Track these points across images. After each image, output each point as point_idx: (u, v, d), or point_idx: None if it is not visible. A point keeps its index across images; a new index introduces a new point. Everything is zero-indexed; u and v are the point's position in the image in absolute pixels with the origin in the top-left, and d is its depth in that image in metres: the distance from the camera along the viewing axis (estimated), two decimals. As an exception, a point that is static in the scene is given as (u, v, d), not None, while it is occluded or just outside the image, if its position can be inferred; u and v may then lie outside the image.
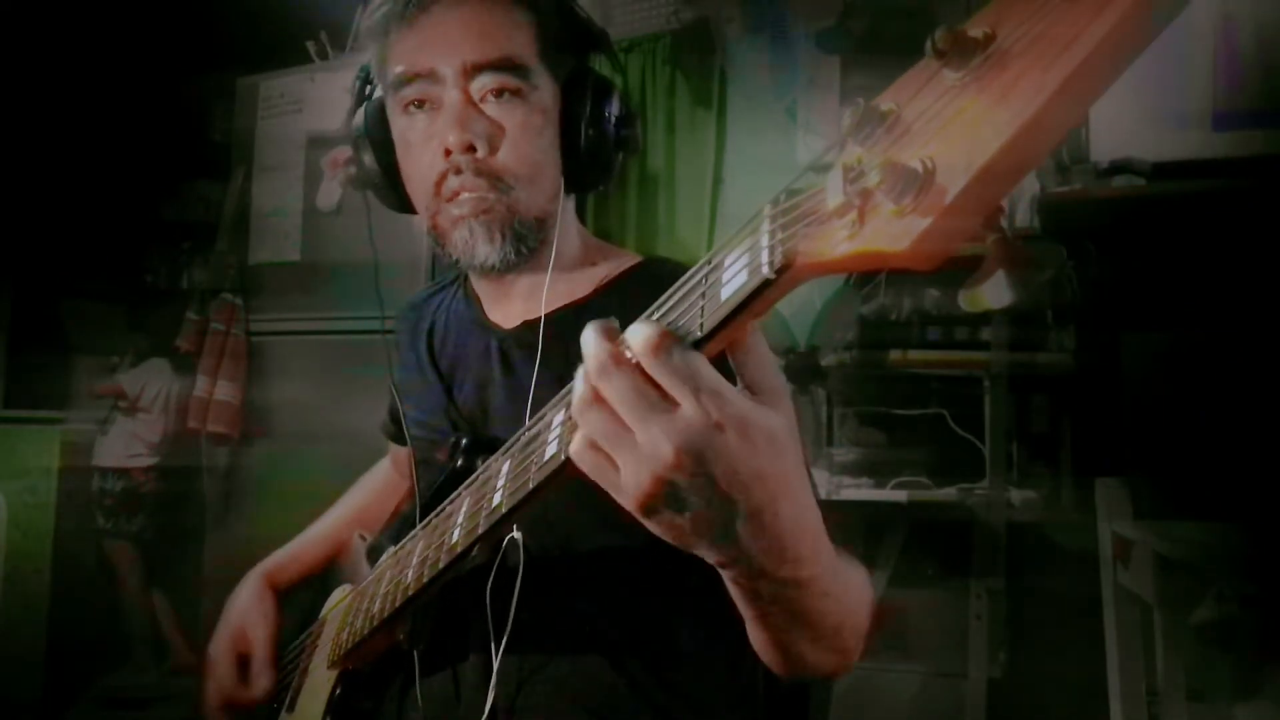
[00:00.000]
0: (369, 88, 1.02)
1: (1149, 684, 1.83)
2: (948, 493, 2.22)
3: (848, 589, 0.66)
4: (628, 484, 0.52)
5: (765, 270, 0.46)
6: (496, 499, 0.67)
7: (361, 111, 1.00)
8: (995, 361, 2.24)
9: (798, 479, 0.54)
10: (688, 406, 0.49)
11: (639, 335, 0.50)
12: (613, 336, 0.52)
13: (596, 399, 0.52)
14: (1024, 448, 2.34)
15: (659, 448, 0.50)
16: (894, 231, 0.38)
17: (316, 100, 2.78)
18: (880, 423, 2.45)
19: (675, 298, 0.53)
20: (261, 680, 1.03)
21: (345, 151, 2.99)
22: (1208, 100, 1.97)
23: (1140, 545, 1.75)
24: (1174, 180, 1.97)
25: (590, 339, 0.52)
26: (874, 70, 2.54)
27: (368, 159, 0.99)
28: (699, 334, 0.50)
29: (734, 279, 0.49)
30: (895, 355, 2.31)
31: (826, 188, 0.43)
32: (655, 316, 0.54)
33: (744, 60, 2.78)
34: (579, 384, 0.52)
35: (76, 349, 3.87)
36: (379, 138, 0.98)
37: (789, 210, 0.47)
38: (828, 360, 2.35)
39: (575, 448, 0.54)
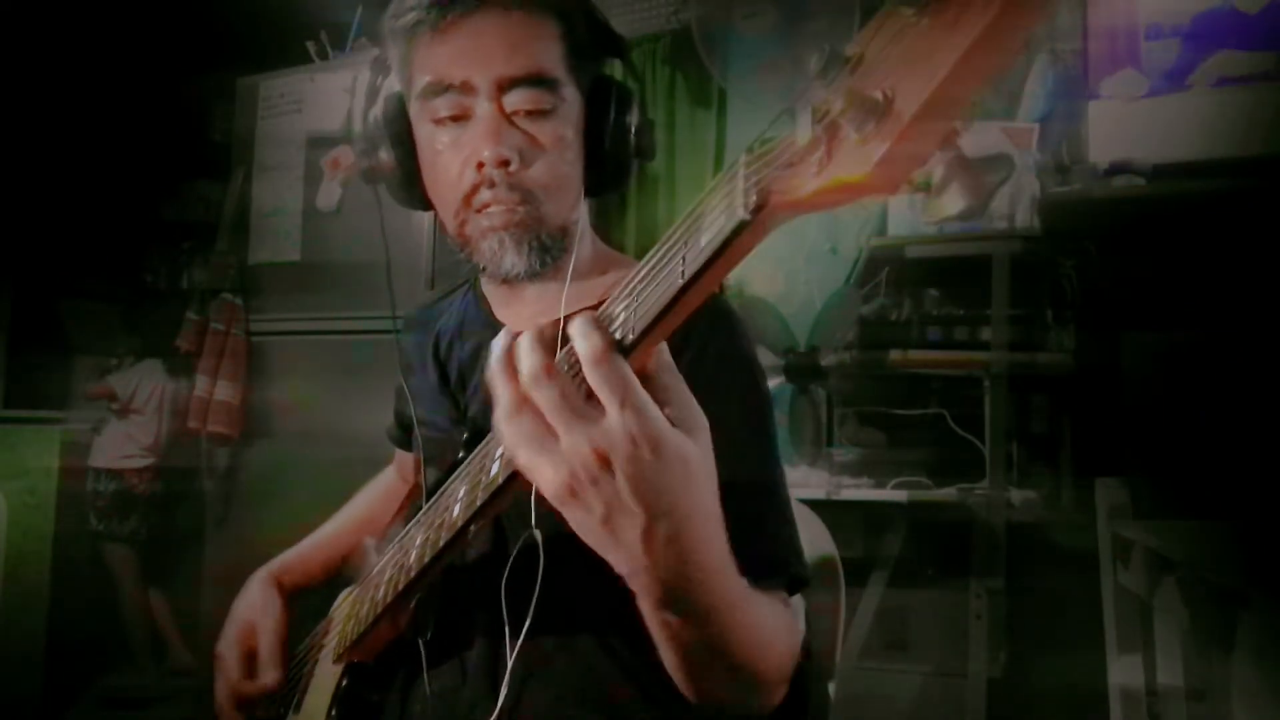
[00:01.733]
0: (382, 79, 1.01)
1: (1149, 684, 1.83)
2: (948, 493, 2.22)
3: (759, 629, 0.70)
4: (548, 478, 0.56)
5: (741, 212, 0.48)
6: (494, 470, 0.68)
7: (379, 106, 1.00)
8: (995, 361, 2.24)
9: (704, 508, 0.59)
10: (613, 415, 0.54)
11: (585, 343, 0.54)
12: (546, 345, 0.57)
13: (525, 403, 0.56)
14: (1024, 448, 2.34)
15: (579, 449, 0.55)
16: (858, 158, 0.41)
17: (316, 100, 2.78)
18: (880, 423, 2.46)
19: (660, 251, 0.55)
20: (269, 673, 1.03)
21: (345, 151, 2.96)
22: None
23: (1140, 545, 1.75)
24: (1174, 180, 1.98)
25: (525, 348, 0.57)
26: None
27: (384, 155, 0.99)
28: (681, 281, 0.52)
29: (712, 224, 0.50)
30: (895, 355, 2.32)
31: (796, 129, 0.45)
32: (639, 275, 0.57)
33: (743, 59, 2.78)
34: (505, 390, 0.57)
35: (76, 349, 3.88)
36: (397, 134, 0.98)
37: (762, 154, 0.48)
38: (828, 360, 2.35)
39: (508, 443, 0.58)
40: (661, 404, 0.57)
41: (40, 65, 3.40)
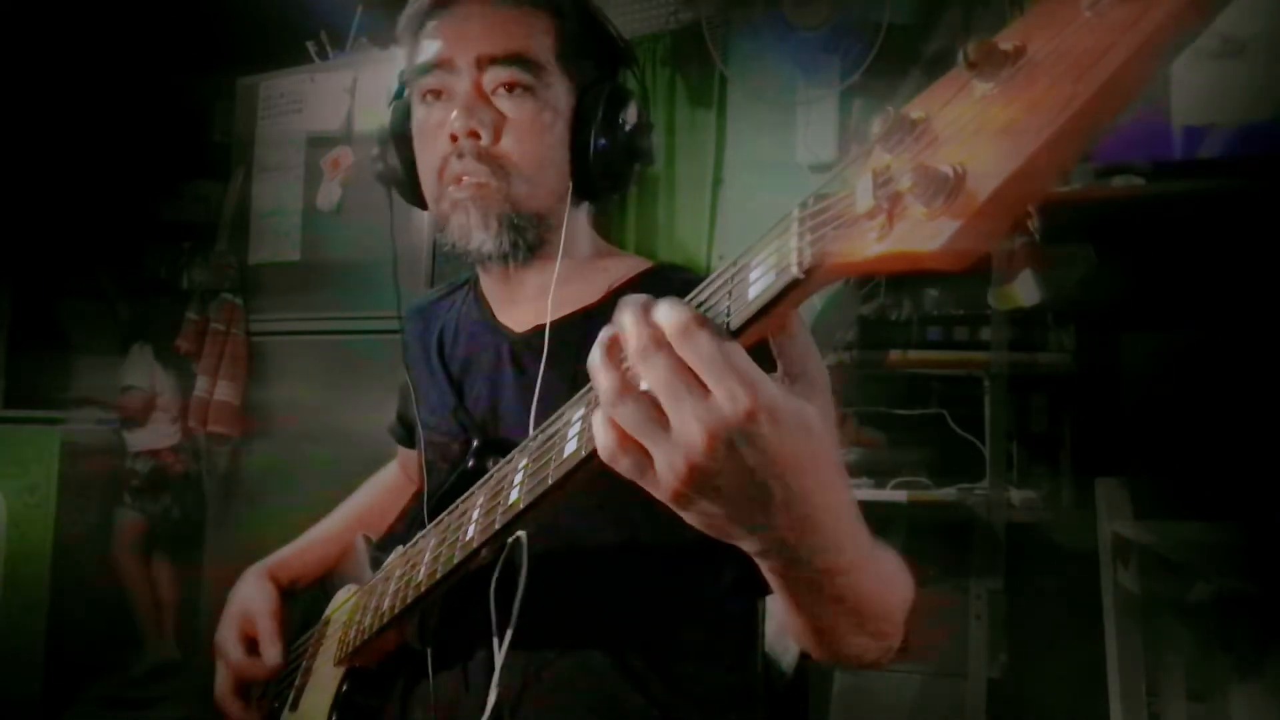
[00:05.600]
0: (405, 89, 1.04)
1: (1149, 684, 1.83)
2: (948, 493, 2.22)
3: (883, 574, 0.66)
4: (662, 475, 0.51)
5: (795, 270, 0.47)
6: (514, 495, 0.68)
7: (390, 109, 1.04)
8: (995, 361, 2.24)
9: (832, 466, 0.54)
10: (719, 393, 0.48)
11: (670, 316, 0.50)
12: (653, 318, 0.51)
13: (628, 388, 0.51)
14: (1024, 448, 2.34)
15: (691, 434, 0.49)
16: (925, 233, 0.39)
17: (316, 100, 2.78)
18: (880, 423, 2.45)
19: (701, 297, 0.54)
20: (269, 652, 1.03)
21: (345, 152, 2.98)
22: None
23: (1140, 545, 1.75)
24: (1174, 180, 1.97)
25: (631, 322, 0.51)
26: (873, 70, 2.54)
27: (390, 155, 1.02)
28: (726, 328, 0.50)
29: (761, 279, 0.49)
30: (895, 355, 2.32)
31: (855, 191, 0.44)
32: None
33: (744, 60, 2.78)
34: (607, 374, 0.52)
35: (76, 349, 3.88)
36: (402, 134, 1.01)
37: (818, 213, 0.47)
38: (828, 360, 2.35)
39: (606, 446, 0.52)
40: (779, 353, 0.53)
41: (41, 65, 3.40)
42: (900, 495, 2.21)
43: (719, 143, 2.84)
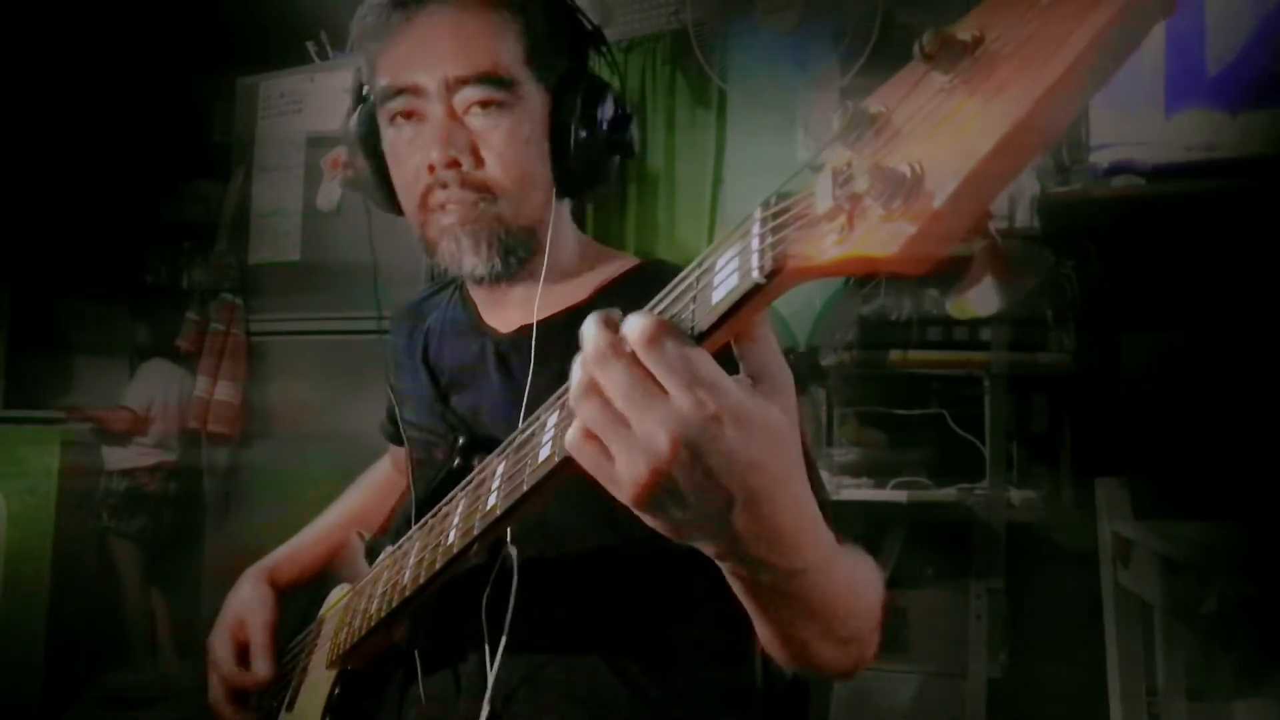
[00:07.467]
0: (365, 88, 1.01)
1: (1149, 684, 1.83)
2: (948, 493, 2.22)
3: (852, 581, 0.65)
4: (623, 477, 0.51)
5: (755, 275, 0.46)
6: (491, 501, 0.67)
7: (355, 115, 1.00)
8: (995, 361, 2.25)
9: (795, 469, 0.54)
10: (681, 398, 0.48)
11: (635, 325, 0.50)
12: (613, 326, 0.51)
13: (593, 388, 0.51)
14: (1024, 448, 2.34)
15: (654, 439, 0.49)
16: (882, 236, 0.38)
17: (316, 100, 2.78)
18: (880, 423, 2.45)
19: (667, 300, 0.53)
20: (259, 664, 1.03)
21: (344, 153, 3.00)
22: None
23: (1140, 545, 1.75)
24: (1174, 180, 1.97)
25: (591, 328, 0.51)
26: (874, 70, 2.54)
27: (359, 162, 1.00)
28: (693, 333, 0.50)
29: (725, 282, 0.49)
30: (895, 355, 2.32)
31: (816, 191, 0.43)
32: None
33: (740, 62, 2.77)
34: (577, 373, 0.52)
35: (76, 349, 3.88)
36: (369, 141, 0.98)
37: (780, 213, 0.46)
38: (828, 360, 2.35)
39: (571, 438, 0.53)
40: (742, 356, 0.52)
41: (40, 65, 3.40)
42: (900, 495, 2.21)
43: (719, 142, 2.83)
